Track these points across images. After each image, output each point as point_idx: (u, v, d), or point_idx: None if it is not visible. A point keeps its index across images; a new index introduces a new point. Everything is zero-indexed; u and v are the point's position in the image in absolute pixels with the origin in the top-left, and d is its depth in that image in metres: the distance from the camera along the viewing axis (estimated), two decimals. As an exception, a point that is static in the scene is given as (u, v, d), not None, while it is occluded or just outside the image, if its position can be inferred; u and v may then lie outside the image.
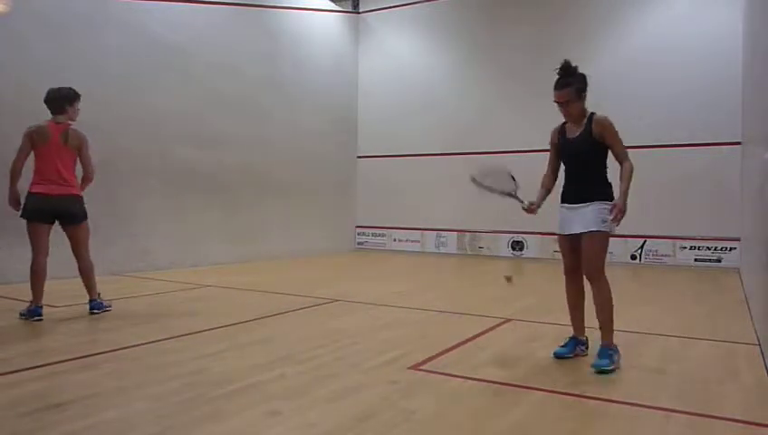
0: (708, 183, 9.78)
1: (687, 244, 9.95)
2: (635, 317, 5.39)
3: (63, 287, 5.79)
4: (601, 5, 10.82)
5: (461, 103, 12.08)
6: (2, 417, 2.55)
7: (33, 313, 4.64)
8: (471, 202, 11.79)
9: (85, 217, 4.90)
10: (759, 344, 4.09)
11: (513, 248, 11.39)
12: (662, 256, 10.11)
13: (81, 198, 4.88)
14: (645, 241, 10.18)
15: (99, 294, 5.00)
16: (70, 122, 4.81)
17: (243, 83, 10.06)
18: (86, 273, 4.92)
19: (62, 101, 4.76)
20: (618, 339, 3.29)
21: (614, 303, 3.54)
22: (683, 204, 9.96)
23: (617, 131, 3.50)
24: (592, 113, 3.58)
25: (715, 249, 9.79)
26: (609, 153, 3.55)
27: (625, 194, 3.39)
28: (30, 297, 4.70)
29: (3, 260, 6.54)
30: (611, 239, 3.57)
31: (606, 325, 3.52)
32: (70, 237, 4.86)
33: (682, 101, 9.97)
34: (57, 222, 4.80)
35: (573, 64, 3.57)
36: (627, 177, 3.41)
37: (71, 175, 4.81)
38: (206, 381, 3.10)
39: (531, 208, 3.75)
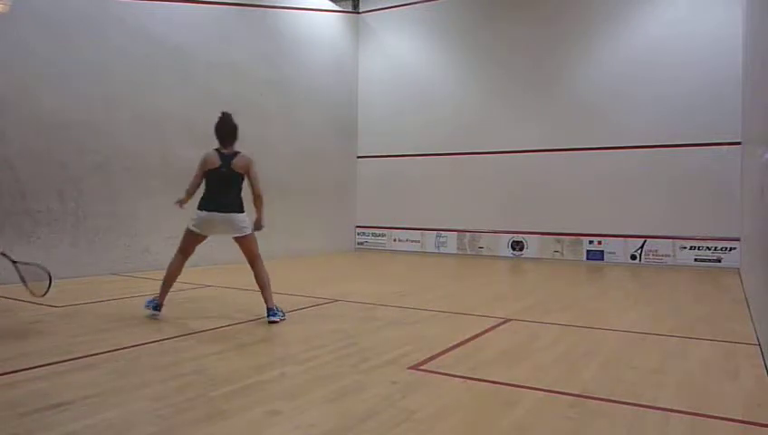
0: (708, 183, 9.78)
1: (687, 244, 9.95)
2: (635, 317, 5.40)
3: (64, 287, 5.80)
4: (601, 6, 10.81)
5: (461, 103, 12.08)
6: (2, 417, 2.55)
7: None
8: (471, 202, 11.86)
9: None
10: (759, 344, 4.09)
11: (513, 248, 11.37)
12: (662, 256, 10.10)
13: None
14: (645, 241, 10.17)
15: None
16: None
17: (243, 83, 10.05)
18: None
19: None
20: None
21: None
22: (683, 204, 9.96)
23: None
24: None
25: (715, 249, 9.79)
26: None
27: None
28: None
29: (1, 260, 6.52)
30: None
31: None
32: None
33: (682, 101, 9.97)
34: None
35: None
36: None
37: None
38: (206, 381, 3.10)
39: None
